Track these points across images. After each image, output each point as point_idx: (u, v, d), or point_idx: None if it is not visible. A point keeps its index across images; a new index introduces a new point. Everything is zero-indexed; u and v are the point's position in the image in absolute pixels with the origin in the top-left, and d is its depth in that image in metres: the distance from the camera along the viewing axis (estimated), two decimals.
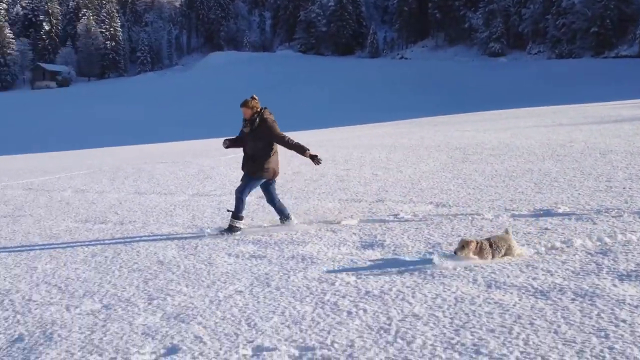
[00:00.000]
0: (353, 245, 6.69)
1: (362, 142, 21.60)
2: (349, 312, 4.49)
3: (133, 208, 10.54)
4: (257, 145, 7.77)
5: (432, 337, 3.94)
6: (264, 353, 3.88)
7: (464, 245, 5.54)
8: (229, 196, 11.10)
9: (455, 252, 5.59)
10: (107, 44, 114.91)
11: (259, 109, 7.82)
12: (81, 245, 7.71)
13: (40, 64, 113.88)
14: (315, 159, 7.69)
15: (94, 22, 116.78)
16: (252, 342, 4.07)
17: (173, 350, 4.02)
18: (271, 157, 7.83)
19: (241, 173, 8.13)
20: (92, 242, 7.88)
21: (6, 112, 76.21)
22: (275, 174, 7.97)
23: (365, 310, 4.50)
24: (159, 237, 7.97)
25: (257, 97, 7.85)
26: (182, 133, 47.96)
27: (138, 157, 22.51)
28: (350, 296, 4.85)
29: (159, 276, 5.96)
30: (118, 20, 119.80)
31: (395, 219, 7.86)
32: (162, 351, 4.03)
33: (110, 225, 9.10)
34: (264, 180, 7.93)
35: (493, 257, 5.57)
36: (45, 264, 6.84)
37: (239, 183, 8.08)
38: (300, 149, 7.67)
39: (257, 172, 7.82)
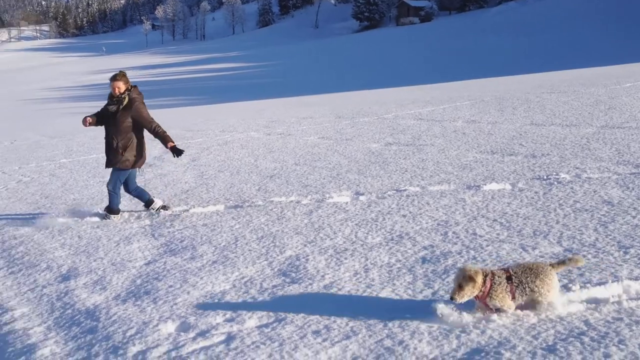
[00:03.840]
0: None
1: None
2: None
3: (538, 140, 9.70)
4: (123, 128, 6.84)
5: None
6: None
7: (461, 283, 3.24)
8: None
9: (451, 298, 3.30)
10: None
11: (128, 87, 6.95)
12: (499, 178, 7.16)
13: (406, 0, 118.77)
14: (176, 150, 6.86)
15: None
16: None
17: None
18: (137, 143, 6.94)
19: None
20: (510, 175, 7.29)
21: (378, 48, 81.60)
22: (142, 161, 7.13)
23: None
24: (584, 171, 6.99)
25: (126, 74, 7.02)
26: (543, 64, 45.25)
27: (517, 88, 21.48)
28: None
29: (617, 219, 5.03)
30: None
31: None
32: None
33: (521, 157, 8.41)
34: (130, 170, 7.05)
35: (514, 298, 3.28)
36: (471, 195, 6.46)
37: None
38: (164, 139, 6.86)
39: (122, 162, 6.90)
